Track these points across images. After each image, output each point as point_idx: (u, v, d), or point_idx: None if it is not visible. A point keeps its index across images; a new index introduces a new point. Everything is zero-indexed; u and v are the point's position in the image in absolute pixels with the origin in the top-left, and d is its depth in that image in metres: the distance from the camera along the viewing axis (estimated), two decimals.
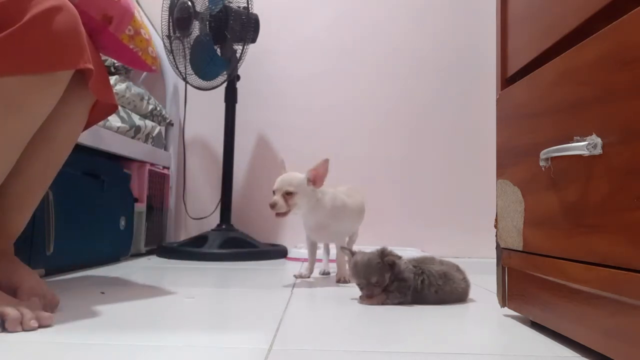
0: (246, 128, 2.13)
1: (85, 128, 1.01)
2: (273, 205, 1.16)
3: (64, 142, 0.93)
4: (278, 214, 1.18)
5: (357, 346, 0.69)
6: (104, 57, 1.14)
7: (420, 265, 1.03)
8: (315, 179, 1.22)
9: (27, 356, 0.61)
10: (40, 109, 0.80)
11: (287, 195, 1.17)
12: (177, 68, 1.82)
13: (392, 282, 1.00)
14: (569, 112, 0.68)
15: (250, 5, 1.78)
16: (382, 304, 0.99)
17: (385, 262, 0.99)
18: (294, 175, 1.22)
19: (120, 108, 1.60)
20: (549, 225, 0.73)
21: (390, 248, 1.03)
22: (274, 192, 1.20)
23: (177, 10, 1.76)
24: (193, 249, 1.75)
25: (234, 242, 1.81)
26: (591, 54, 0.63)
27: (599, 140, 0.60)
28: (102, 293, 1.03)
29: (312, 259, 1.38)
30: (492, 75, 1.01)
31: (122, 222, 1.59)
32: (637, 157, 0.54)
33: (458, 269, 1.08)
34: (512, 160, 0.87)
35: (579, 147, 0.62)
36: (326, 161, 1.22)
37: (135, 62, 1.10)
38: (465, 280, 1.07)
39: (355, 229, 1.44)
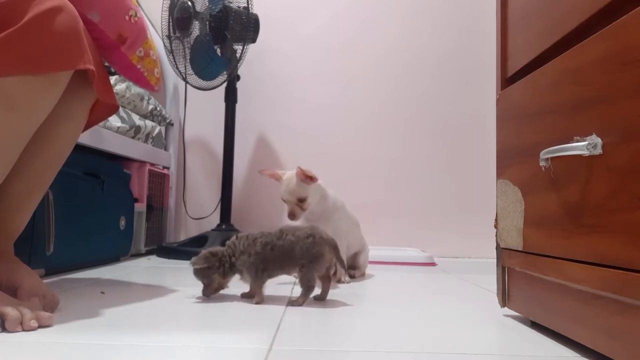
0: (246, 128, 2.14)
1: (87, 128, 1.01)
2: (293, 216, 1.23)
3: (64, 142, 0.94)
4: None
5: (357, 346, 0.69)
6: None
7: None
8: (304, 177, 1.21)
9: (27, 356, 0.60)
10: (40, 109, 0.80)
11: (300, 202, 1.23)
12: (177, 68, 1.82)
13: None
14: (569, 112, 0.68)
15: (250, 5, 1.78)
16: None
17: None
18: (294, 179, 1.22)
19: (120, 108, 1.60)
20: (549, 225, 0.73)
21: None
22: (283, 200, 1.25)
23: (177, 10, 1.76)
24: (193, 249, 1.75)
25: None
26: (591, 54, 0.63)
27: (599, 140, 0.60)
28: (102, 293, 1.03)
29: None
30: (492, 75, 1.01)
31: (122, 222, 1.59)
32: (637, 157, 0.54)
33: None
34: (512, 160, 0.87)
35: (579, 147, 0.63)
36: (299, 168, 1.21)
37: (140, 81, 1.13)
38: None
39: (351, 238, 1.38)
